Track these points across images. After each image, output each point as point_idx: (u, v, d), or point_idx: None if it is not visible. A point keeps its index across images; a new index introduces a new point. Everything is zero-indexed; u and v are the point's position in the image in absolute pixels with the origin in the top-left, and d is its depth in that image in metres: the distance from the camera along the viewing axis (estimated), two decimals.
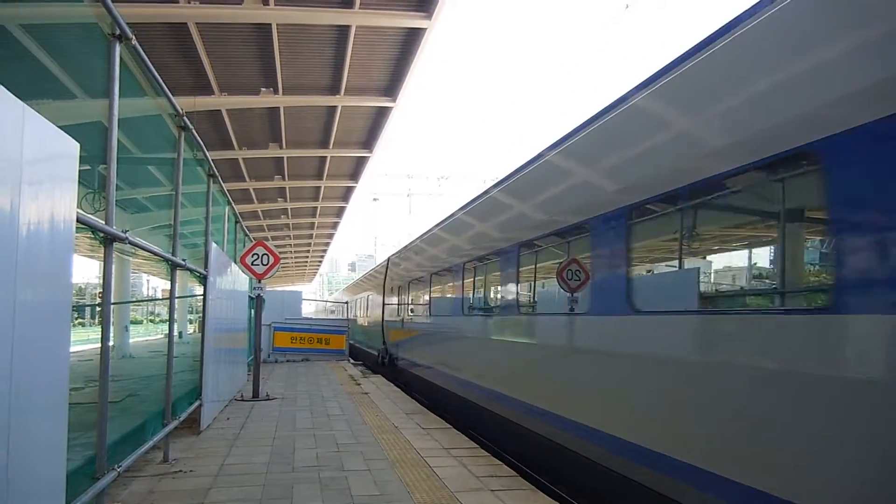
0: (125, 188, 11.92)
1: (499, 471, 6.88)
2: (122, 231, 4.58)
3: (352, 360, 23.58)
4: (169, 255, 7.01)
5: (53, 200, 3.18)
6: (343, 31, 13.11)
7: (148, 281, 57.26)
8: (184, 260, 7.56)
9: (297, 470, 6.76)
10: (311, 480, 6.31)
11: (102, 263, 4.54)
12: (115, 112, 4.57)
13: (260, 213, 30.83)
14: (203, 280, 9.04)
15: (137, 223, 15.12)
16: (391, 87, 16.45)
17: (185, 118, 7.36)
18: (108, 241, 4.41)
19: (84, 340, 16.76)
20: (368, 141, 21.14)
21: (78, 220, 3.59)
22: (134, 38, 4.89)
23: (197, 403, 8.56)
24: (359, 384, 15.37)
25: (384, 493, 5.91)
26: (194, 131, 7.83)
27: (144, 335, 32.97)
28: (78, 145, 3.48)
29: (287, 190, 27.17)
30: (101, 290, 4.86)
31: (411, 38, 13.78)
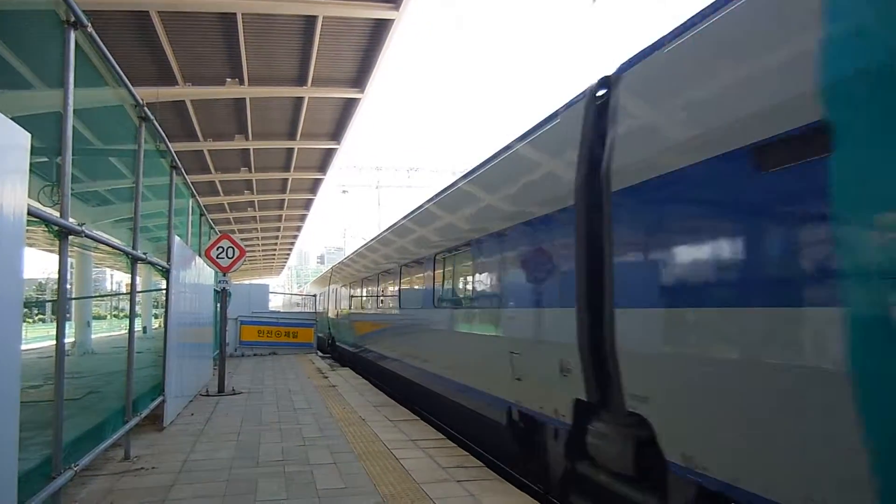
0: (86, 180, 11.65)
1: (466, 461, 6.92)
2: (79, 224, 4.48)
3: (320, 353, 23.47)
4: (128, 249, 6.87)
5: (3, 193, 3.09)
6: (310, 21, 12.95)
7: (112, 276, 56.11)
8: (145, 254, 7.42)
9: (261, 464, 6.72)
10: (276, 475, 6.28)
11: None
12: (70, 101, 4.46)
13: (226, 205, 30.38)
14: (166, 274, 8.89)
15: (100, 216, 14.77)
16: (359, 79, 16.31)
17: (146, 108, 7.21)
18: (63, 234, 4.30)
19: (44, 337, 16.35)
20: (336, 132, 20.96)
21: (30, 213, 3.49)
22: (90, 25, 4.77)
23: (160, 399, 8.43)
24: (326, 377, 15.31)
25: (350, 485, 5.90)
26: (156, 122, 7.68)
27: (108, 331, 32.29)
28: (29, 136, 3.38)
29: (254, 182, 26.82)
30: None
31: (379, 29, 13.68)
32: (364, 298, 18.25)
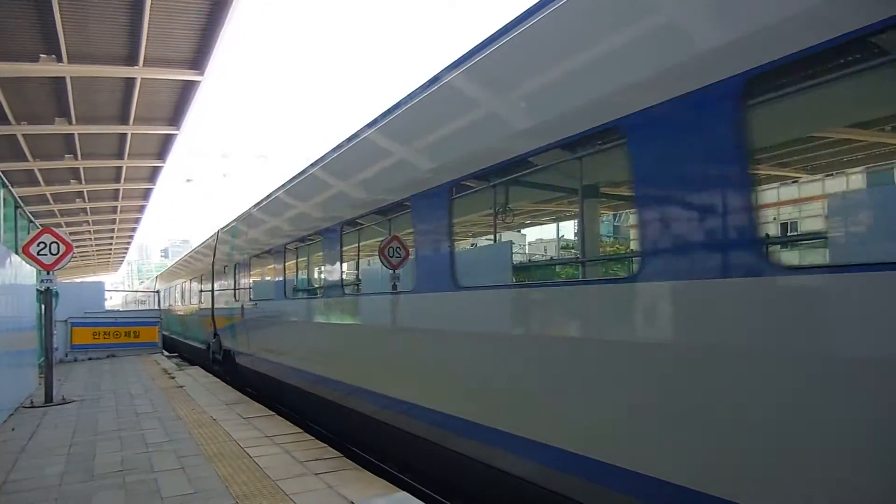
0: None
1: (324, 453, 6.81)
2: None
3: (166, 353, 22.01)
4: None
5: None
6: None
7: None
8: None
9: (97, 477, 6.14)
10: (115, 486, 5.78)
11: None
12: None
13: (49, 196, 27.43)
14: None
15: None
16: (198, 60, 15.27)
17: None
18: None
19: None
20: (175, 117, 19.54)
21: None
22: None
23: None
24: (173, 377, 14.39)
25: (199, 489, 5.57)
26: None
27: None
28: None
29: (81, 171, 24.38)
30: None
31: (217, 8, 12.88)
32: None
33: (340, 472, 6.02)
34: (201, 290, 19.38)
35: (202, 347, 19.39)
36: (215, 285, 17.48)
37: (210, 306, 17.67)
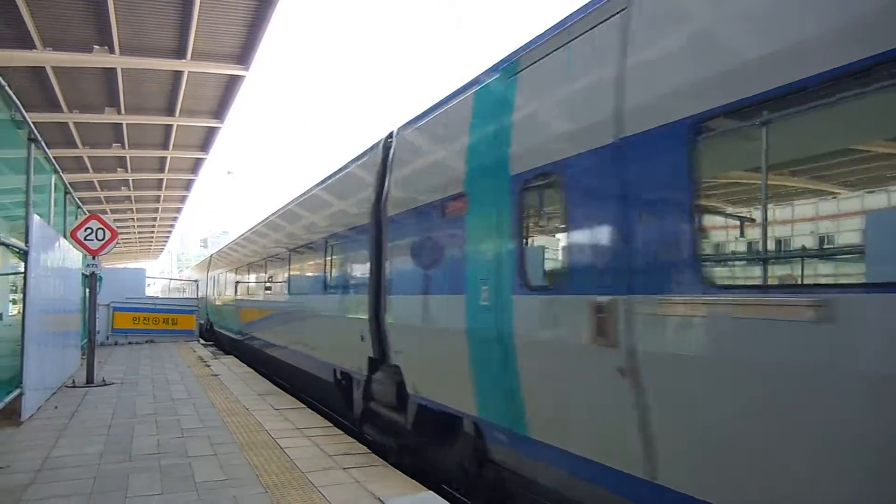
0: None
1: (353, 448, 6.87)
2: None
3: (202, 341, 22.46)
4: None
5: None
6: None
7: None
8: None
9: (134, 459, 6.32)
10: (151, 469, 5.93)
11: None
12: None
13: (97, 183, 28.26)
14: (24, 256, 8.12)
15: None
16: (243, 55, 15.60)
17: None
18: None
19: None
20: (219, 110, 19.98)
21: None
22: None
23: (17, 392, 7.72)
24: (208, 365, 14.68)
25: (231, 477, 5.68)
26: (8, 89, 6.94)
27: None
28: None
29: (128, 159, 25.08)
30: None
31: (264, 4, 13.12)
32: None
33: (368, 468, 6.07)
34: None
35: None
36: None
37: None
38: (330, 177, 10.26)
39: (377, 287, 7.41)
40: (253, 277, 16.83)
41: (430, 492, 5.33)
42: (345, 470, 5.94)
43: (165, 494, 5.17)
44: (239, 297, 18.78)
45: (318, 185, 11.02)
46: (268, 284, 14.76)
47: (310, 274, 11.07)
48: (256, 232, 17.13)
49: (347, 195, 9.06)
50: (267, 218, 15.88)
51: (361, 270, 8.03)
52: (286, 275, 12.65)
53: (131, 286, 23.27)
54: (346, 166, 9.31)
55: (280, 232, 13.85)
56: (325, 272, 9.82)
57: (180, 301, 27.73)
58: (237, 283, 19.28)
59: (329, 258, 9.62)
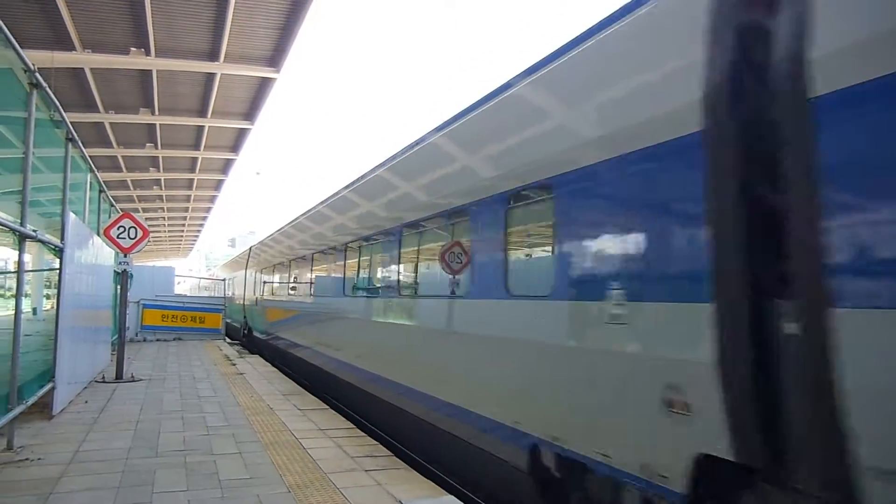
0: None
1: (375, 451, 6.90)
2: None
3: (228, 340, 22.73)
4: (15, 225, 6.36)
5: None
6: None
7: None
8: (34, 231, 6.89)
9: (161, 454, 6.42)
10: (177, 465, 6.02)
11: None
12: None
13: (129, 182, 28.82)
14: (59, 253, 8.31)
15: None
16: (275, 58, 15.81)
17: (37, 74, 6.68)
18: None
19: None
20: (250, 112, 20.27)
21: None
22: None
23: (49, 386, 7.90)
24: (234, 364, 14.86)
25: (255, 476, 5.75)
26: (49, 89, 7.13)
27: None
28: None
29: (160, 159, 25.55)
30: None
31: (296, 7, 13.29)
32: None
33: (390, 470, 6.09)
34: None
35: None
36: None
37: None
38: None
39: None
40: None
41: (451, 496, 5.34)
42: (366, 472, 5.97)
43: (191, 491, 5.25)
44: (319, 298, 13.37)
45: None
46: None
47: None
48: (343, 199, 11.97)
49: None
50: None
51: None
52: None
53: (161, 284, 23.69)
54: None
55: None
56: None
57: (208, 300, 28.11)
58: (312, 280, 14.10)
59: None
